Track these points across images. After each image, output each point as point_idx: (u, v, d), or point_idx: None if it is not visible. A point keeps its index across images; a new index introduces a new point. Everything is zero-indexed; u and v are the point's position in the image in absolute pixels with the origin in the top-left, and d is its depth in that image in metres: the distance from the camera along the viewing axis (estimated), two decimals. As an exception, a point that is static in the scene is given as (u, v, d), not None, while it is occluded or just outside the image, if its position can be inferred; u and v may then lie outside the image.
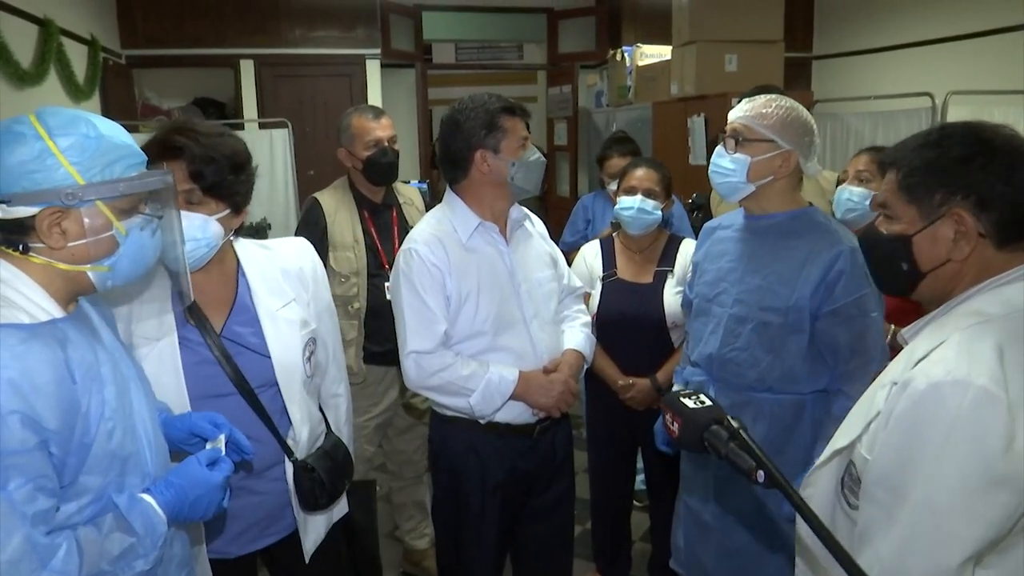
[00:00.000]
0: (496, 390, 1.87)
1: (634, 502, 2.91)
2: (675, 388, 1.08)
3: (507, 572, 2.13)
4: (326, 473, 1.68)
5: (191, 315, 1.56)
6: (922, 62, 5.45)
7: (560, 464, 2.08)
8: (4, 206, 1.09)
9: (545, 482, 2.05)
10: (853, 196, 2.43)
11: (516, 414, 1.94)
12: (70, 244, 1.13)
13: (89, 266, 1.16)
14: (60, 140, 1.10)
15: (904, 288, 1.20)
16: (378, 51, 5.98)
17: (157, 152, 1.47)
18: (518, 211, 2.03)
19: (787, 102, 1.86)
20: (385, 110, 2.77)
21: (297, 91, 5.83)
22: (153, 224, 1.22)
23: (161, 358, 1.52)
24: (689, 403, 1.04)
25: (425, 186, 4.13)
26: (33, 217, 1.10)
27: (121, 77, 5.40)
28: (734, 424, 0.98)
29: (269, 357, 1.61)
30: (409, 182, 3.35)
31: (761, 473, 0.93)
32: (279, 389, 1.63)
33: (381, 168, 2.64)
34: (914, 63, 5.52)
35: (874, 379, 1.24)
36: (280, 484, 1.66)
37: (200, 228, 1.51)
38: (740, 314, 1.89)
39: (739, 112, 1.88)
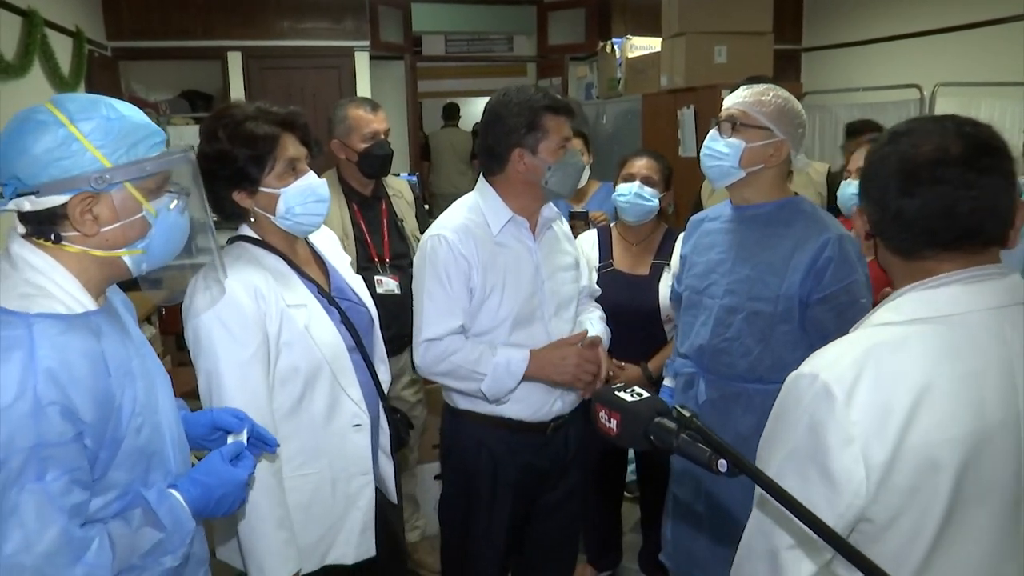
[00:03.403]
0: (506, 372, 1.84)
1: (625, 493, 2.92)
2: (616, 385, 1.00)
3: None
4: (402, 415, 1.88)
5: (309, 281, 1.67)
6: (911, 54, 5.47)
7: (571, 460, 2.06)
8: (33, 197, 1.08)
9: (556, 478, 2.03)
10: (854, 190, 2.38)
11: (532, 411, 1.92)
12: (103, 229, 1.12)
13: (124, 250, 1.15)
14: (82, 125, 1.09)
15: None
16: (367, 43, 5.94)
17: (281, 125, 1.60)
18: (550, 210, 2.00)
19: (783, 92, 1.88)
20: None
21: (285, 83, 5.78)
22: (181, 202, 1.21)
23: (317, 320, 1.62)
24: (626, 396, 0.96)
25: (415, 179, 4.11)
26: (64, 205, 1.09)
27: (107, 69, 5.34)
28: (685, 413, 0.90)
29: (366, 307, 1.80)
30: (399, 175, 3.33)
31: (723, 462, 0.85)
32: (374, 336, 1.80)
33: (378, 161, 2.62)
34: (903, 55, 5.53)
35: None
36: (368, 438, 1.72)
37: (325, 188, 1.67)
38: (731, 304, 1.90)
39: (737, 98, 1.88)
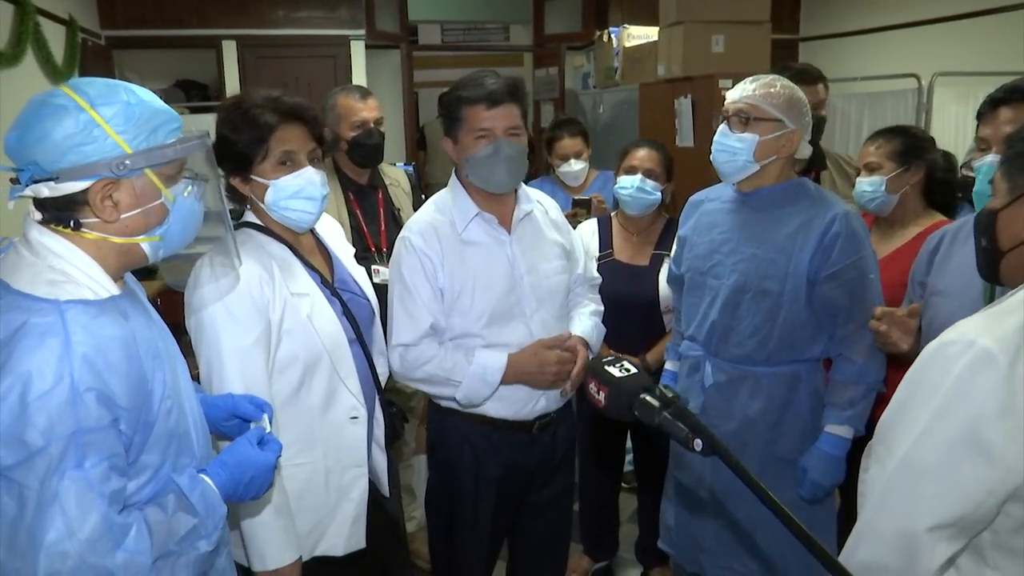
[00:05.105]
0: (481, 381, 1.81)
1: (622, 483, 2.92)
2: (606, 359, 1.03)
3: (502, 561, 2.12)
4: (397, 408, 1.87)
5: (312, 271, 1.66)
6: (908, 44, 5.46)
7: (561, 460, 2.03)
8: (52, 183, 1.07)
9: (544, 478, 2.01)
10: (867, 187, 2.23)
11: (515, 410, 1.89)
12: (123, 216, 1.11)
13: (143, 237, 1.14)
14: (103, 110, 1.07)
15: (990, 270, 1.14)
16: (363, 32, 5.91)
17: (283, 116, 1.58)
18: (527, 201, 1.94)
19: (788, 82, 1.87)
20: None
21: (280, 73, 5.74)
22: (197, 188, 1.20)
23: (319, 309, 1.62)
24: (615, 371, 1.00)
25: (411, 168, 4.09)
26: (84, 191, 1.08)
27: (101, 58, 5.30)
28: (667, 393, 0.94)
29: (368, 299, 1.78)
30: (395, 164, 3.32)
31: (698, 441, 0.90)
32: (374, 328, 1.80)
33: (366, 150, 2.60)
34: (900, 44, 5.52)
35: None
36: (364, 430, 1.71)
37: (324, 184, 1.64)
38: (738, 284, 1.89)
39: (745, 91, 1.86)
